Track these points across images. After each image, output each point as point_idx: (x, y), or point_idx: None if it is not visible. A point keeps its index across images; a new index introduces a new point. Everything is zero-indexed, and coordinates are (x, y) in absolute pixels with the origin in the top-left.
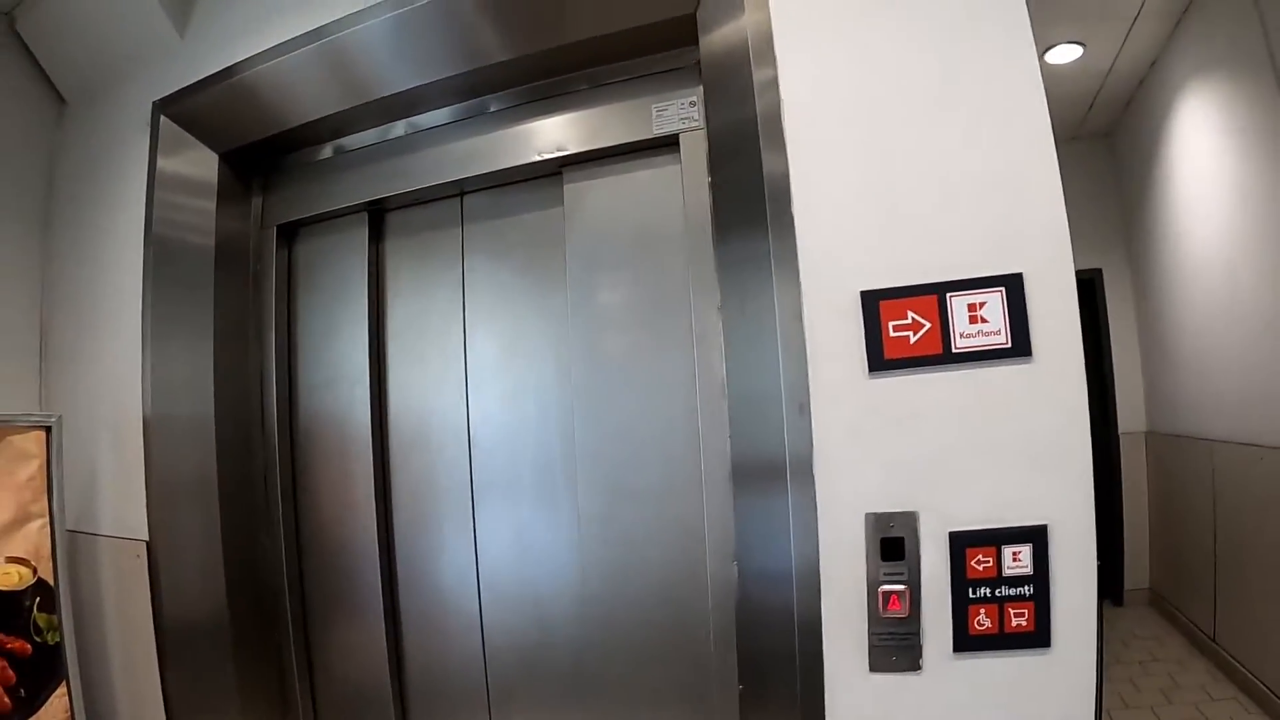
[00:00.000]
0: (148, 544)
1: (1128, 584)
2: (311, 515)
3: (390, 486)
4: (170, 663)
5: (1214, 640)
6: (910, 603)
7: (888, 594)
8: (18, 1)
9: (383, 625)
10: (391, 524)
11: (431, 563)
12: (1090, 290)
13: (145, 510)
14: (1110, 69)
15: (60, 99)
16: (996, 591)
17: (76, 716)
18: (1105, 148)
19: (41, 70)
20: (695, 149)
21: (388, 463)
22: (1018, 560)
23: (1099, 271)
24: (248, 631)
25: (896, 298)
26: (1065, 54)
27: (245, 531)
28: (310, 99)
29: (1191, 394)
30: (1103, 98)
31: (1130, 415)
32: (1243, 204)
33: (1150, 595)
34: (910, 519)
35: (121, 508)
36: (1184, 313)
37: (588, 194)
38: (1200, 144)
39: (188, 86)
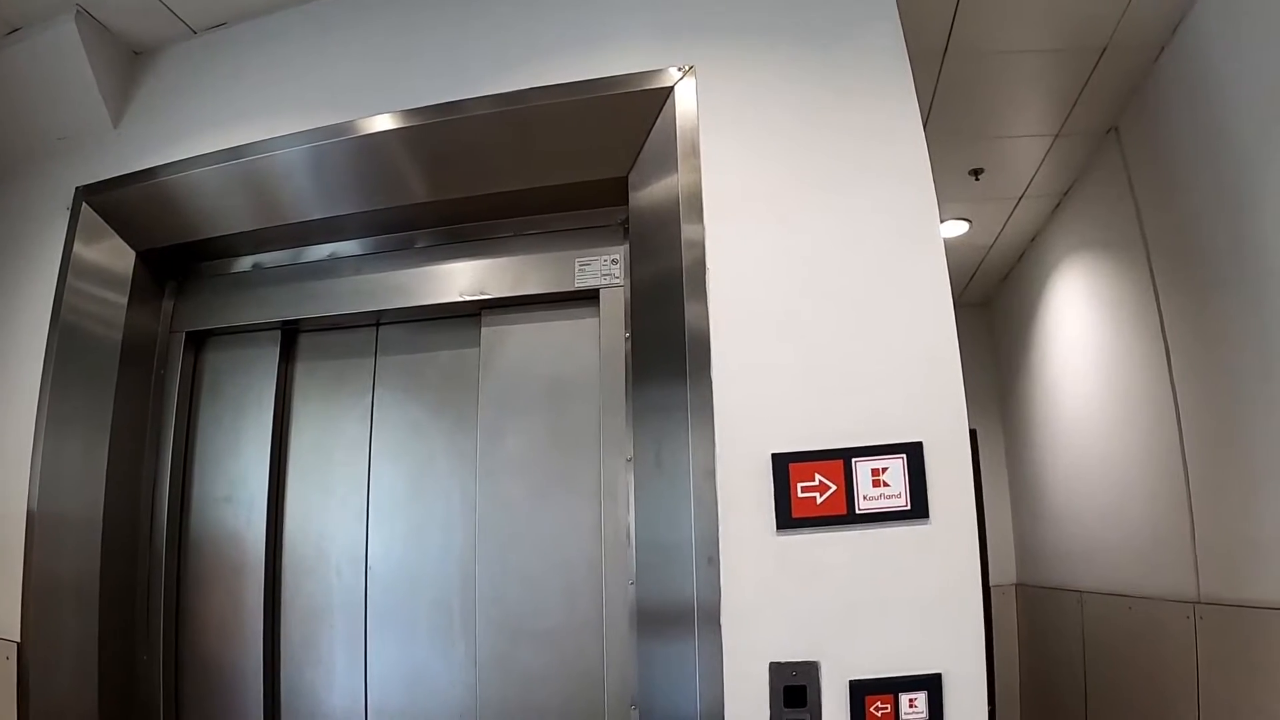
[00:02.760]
0: (19, 645)
1: None
2: (195, 632)
3: (280, 611)
4: None
5: None
6: None
7: None
8: None
9: None
10: (279, 649)
11: (319, 692)
12: None
13: (19, 610)
14: (993, 244)
15: None
16: None
17: None
18: (982, 316)
19: None
20: (614, 305)
21: (279, 586)
22: (914, 706)
23: (973, 432)
24: None
25: (805, 461)
26: (951, 229)
27: (123, 642)
28: (229, 212)
29: (1062, 547)
30: (983, 270)
31: (1000, 568)
32: (1112, 370)
33: None
34: (812, 668)
35: None
36: (1055, 470)
37: (505, 338)
38: (1074, 314)
39: (114, 178)
